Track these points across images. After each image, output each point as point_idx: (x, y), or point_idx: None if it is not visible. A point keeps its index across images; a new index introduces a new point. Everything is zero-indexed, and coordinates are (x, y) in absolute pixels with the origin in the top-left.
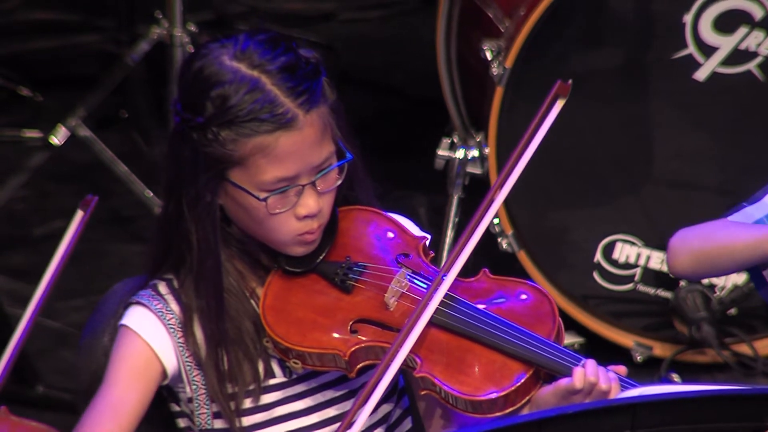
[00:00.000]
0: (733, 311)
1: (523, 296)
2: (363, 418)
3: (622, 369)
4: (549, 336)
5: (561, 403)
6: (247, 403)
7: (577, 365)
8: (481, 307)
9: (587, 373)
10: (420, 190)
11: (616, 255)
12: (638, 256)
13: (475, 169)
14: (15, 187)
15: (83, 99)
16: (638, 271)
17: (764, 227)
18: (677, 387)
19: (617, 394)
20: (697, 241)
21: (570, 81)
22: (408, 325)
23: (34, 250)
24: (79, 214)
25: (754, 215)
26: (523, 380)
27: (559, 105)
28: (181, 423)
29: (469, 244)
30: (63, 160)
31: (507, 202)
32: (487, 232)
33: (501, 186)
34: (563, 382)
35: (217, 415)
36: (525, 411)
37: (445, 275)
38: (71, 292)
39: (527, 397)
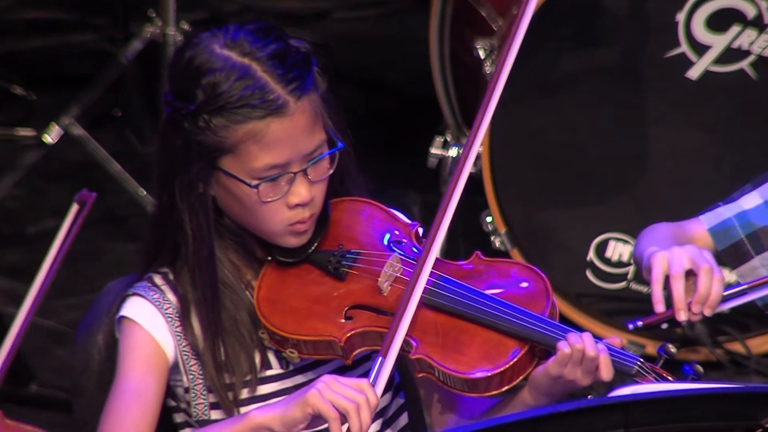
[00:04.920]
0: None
1: (517, 276)
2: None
3: (617, 341)
4: (543, 313)
5: (555, 383)
6: (244, 394)
7: None
8: (474, 287)
9: (570, 341)
10: (413, 188)
11: (608, 253)
12: (631, 254)
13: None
14: (8, 186)
15: (77, 98)
16: (631, 269)
17: (654, 245)
18: (670, 385)
19: (608, 364)
20: (636, 243)
21: None
22: (401, 304)
23: (28, 249)
24: (74, 209)
25: (724, 215)
26: (518, 357)
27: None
28: (177, 418)
29: (457, 189)
30: (56, 159)
31: (500, 201)
32: (480, 231)
33: (491, 95)
34: (552, 360)
35: (214, 406)
36: (523, 391)
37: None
38: (65, 290)
39: (523, 375)
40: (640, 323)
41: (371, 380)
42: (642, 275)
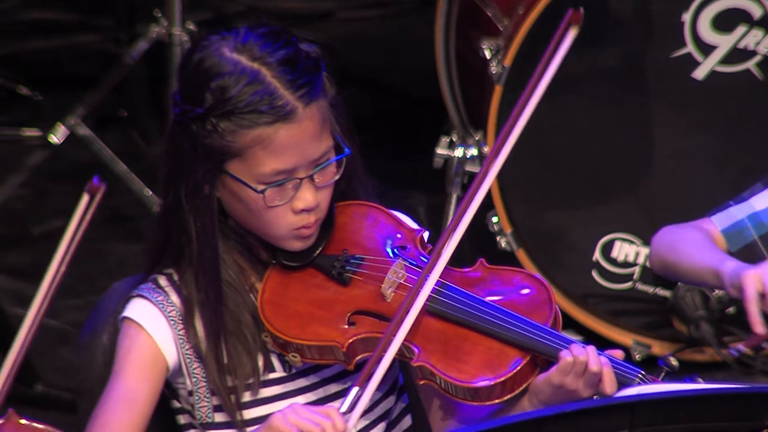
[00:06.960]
0: (731, 310)
1: (520, 285)
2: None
3: (619, 353)
4: (546, 323)
5: (556, 391)
6: (247, 397)
7: None
8: (477, 295)
9: (574, 352)
10: (419, 189)
11: (614, 254)
12: (637, 254)
13: (473, 168)
14: (14, 186)
15: (82, 98)
16: (637, 269)
17: (717, 255)
18: (675, 386)
19: (611, 378)
20: (665, 249)
21: (581, 8)
22: (402, 309)
23: (33, 249)
24: (84, 199)
25: (736, 216)
26: (519, 366)
27: (572, 34)
28: (182, 419)
29: (473, 204)
30: (62, 159)
31: (506, 201)
32: (486, 231)
33: (514, 123)
34: (555, 369)
35: (217, 408)
36: (523, 400)
37: (439, 256)
38: (70, 291)
39: (525, 384)
40: (742, 348)
41: (342, 408)
42: (720, 288)
